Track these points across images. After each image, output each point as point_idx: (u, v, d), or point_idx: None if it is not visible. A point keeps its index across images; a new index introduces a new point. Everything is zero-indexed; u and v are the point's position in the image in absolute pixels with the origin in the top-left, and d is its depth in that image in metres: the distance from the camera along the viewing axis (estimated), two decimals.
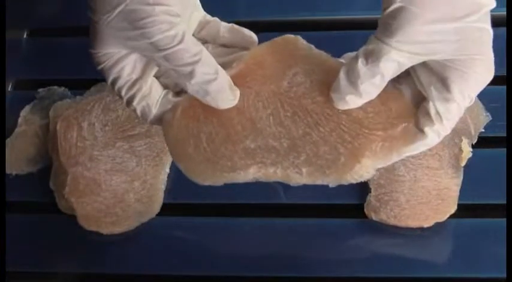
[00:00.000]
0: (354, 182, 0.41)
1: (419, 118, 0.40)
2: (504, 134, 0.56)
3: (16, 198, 0.59)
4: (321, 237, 0.55)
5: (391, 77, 0.39)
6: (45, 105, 0.62)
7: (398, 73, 0.39)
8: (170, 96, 0.42)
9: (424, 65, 0.39)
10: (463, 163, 0.55)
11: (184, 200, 0.58)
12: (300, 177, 0.41)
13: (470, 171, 0.55)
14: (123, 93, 0.41)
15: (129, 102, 0.42)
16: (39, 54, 0.67)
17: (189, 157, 0.42)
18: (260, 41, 0.62)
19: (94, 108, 0.58)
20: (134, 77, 0.41)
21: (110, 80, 0.41)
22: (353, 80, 0.38)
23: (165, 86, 0.43)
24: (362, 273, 0.53)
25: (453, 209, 0.54)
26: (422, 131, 0.39)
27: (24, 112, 0.62)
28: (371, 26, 0.63)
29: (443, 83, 0.38)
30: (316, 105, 0.41)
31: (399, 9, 0.37)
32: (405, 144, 0.40)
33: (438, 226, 0.54)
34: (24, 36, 0.68)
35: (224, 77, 0.41)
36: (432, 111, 0.39)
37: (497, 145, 0.56)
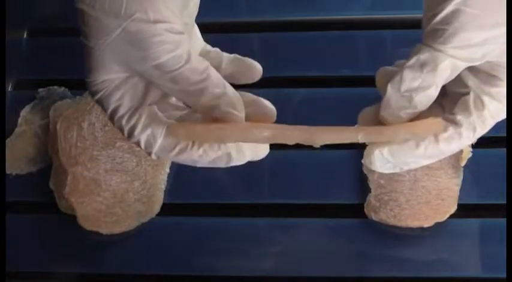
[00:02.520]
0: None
1: (474, 115, 0.37)
2: (504, 134, 0.56)
3: (16, 198, 0.59)
4: (321, 237, 0.55)
5: (444, 83, 0.37)
6: (45, 105, 0.62)
7: (451, 79, 0.37)
8: None
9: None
10: (463, 163, 0.55)
11: (184, 200, 0.58)
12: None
13: (470, 171, 0.55)
14: (123, 122, 0.38)
15: (131, 132, 0.38)
16: (39, 54, 0.67)
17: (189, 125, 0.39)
18: (260, 41, 0.62)
19: (94, 108, 0.58)
20: (136, 103, 0.38)
21: (109, 110, 0.38)
22: (406, 93, 0.37)
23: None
24: (362, 273, 0.53)
25: (453, 209, 0.54)
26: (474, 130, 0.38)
27: (24, 112, 0.62)
28: (371, 26, 0.64)
29: (493, 83, 0.37)
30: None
31: (454, 13, 0.35)
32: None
33: (438, 226, 0.54)
34: (24, 36, 0.68)
35: (231, 91, 0.38)
36: (486, 114, 0.37)
37: (497, 145, 0.56)
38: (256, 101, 0.41)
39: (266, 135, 0.37)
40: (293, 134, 0.38)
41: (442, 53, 0.36)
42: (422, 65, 0.36)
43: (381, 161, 0.38)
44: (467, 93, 0.38)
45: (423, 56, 0.36)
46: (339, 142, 0.37)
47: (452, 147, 0.38)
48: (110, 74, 0.37)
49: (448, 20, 0.35)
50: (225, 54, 0.44)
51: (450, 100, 0.39)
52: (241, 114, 0.39)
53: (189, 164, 0.39)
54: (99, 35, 0.36)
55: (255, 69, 0.43)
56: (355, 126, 0.40)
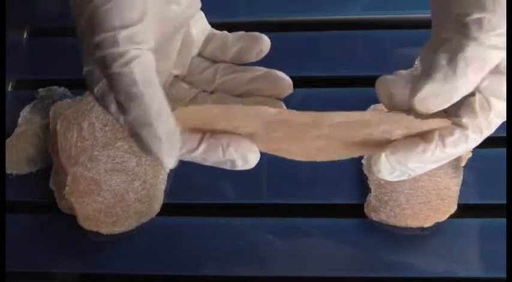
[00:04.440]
0: None
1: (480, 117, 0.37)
2: (504, 134, 0.56)
3: (16, 198, 0.59)
4: (321, 237, 0.55)
5: None
6: (45, 105, 0.62)
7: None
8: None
9: None
10: (463, 163, 0.55)
11: (184, 200, 0.58)
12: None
13: (470, 171, 0.55)
14: (122, 120, 0.35)
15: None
16: (39, 54, 0.67)
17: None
18: None
19: (94, 108, 0.58)
20: None
21: (106, 107, 0.36)
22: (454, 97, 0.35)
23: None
24: (362, 273, 0.53)
25: (453, 209, 0.54)
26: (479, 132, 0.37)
27: (24, 112, 0.62)
28: (371, 26, 0.64)
29: (500, 82, 0.36)
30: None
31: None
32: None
33: (438, 226, 0.54)
34: (24, 36, 0.68)
35: (165, 124, 0.34)
36: (492, 115, 0.36)
37: (497, 145, 0.56)
38: (270, 73, 0.40)
39: (272, 112, 0.36)
40: (301, 114, 0.37)
41: (495, 50, 0.34)
42: (467, 63, 0.34)
43: (388, 169, 0.37)
44: (472, 95, 0.37)
45: (467, 53, 0.34)
46: (347, 120, 0.37)
47: (459, 150, 0.37)
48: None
49: (490, 5, 0.33)
50: (232, 33, 0.43)
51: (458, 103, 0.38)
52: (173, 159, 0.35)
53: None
54: (77, 22, 0.35)
55: (263, 41, 0.42)
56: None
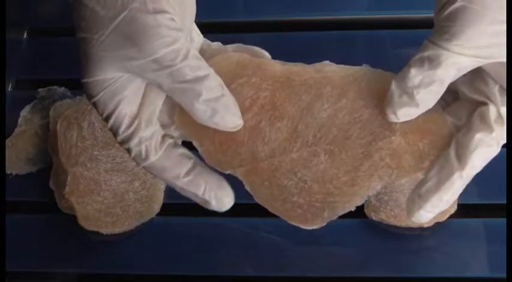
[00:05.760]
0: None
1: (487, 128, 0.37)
2: None
3: (16, 198, 0.59)
4: (321, 237, 0.55)
5: (450, 81, 0.36)
6: (45, 105, 0.62)
7: (457, 77, 0.36)
8: (180, 149, 0.38)
9: (477, 69, 0.36)
10: None
11: (184, 200, 0.58)
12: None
13: None
14: (120, 131, 0.37)
15: (124, 142, 0.38)
16: (39, 54, 0.67)
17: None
18: (260, 41, 0.61)
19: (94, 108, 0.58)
20: (134, 111, 0.37)
21: (104, 115, 0.37)
22: (408, 90, 0.36)
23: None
24: (362, 273, 0.53)
25: (453, 209, 0.54)
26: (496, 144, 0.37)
27: (24, 112, 0.62)
28: (371, 26, 0.64)
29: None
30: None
31: (460, 10, 0.34)
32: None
33: (438, 226, 0.54)
34: (24, 36, 0.68)
35: (229, 94, 0.37)
36: (502, 119, 0.37)
37: None
38: (249, 48, 0.41)
39: (280, 68, 0.40)
40: (301, 66, 0.40)
41: (446, 51, 0.35)
42: (425, 62, 0.36)
43: (428, 215, 0.38)
44: (482, 102, 0.37)
45: (427, 52, 0.36)
46: (343, 68, 0.40)
47: (481, 165, 0.38)
48: (106, 74, 0.36)
49: (453, 17, 0.35)
50: (228, 45, 0.42)
51: (461, 105, 0.39)
52: (239, 119, 0.38)
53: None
54: (95, 29, 0.35)
55: (262, 56, 0.42)
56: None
